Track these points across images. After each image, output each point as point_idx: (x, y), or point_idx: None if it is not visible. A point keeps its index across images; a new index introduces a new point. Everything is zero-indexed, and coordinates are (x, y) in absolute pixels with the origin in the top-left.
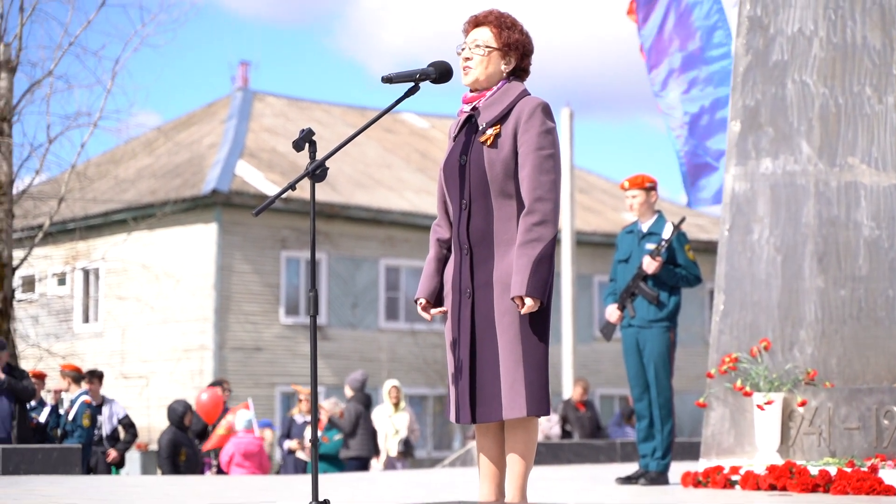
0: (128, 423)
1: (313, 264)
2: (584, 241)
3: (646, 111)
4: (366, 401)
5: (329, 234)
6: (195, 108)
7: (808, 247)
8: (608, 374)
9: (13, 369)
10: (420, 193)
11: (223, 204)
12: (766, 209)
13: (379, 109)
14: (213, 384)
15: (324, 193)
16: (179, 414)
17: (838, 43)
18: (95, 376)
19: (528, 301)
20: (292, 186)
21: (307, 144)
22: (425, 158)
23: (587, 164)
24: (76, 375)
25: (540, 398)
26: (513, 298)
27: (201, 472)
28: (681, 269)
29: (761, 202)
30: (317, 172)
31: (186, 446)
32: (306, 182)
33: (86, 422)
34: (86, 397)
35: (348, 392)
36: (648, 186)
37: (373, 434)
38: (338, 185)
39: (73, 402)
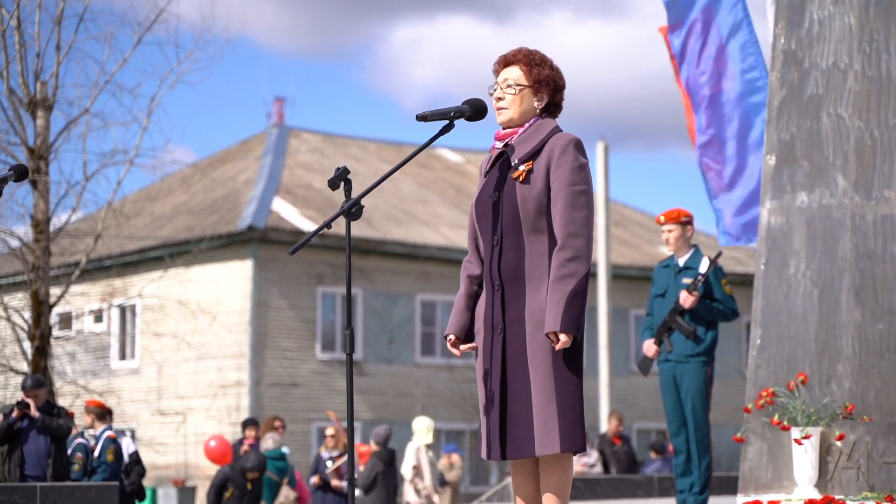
0: (135, 460)
1: (349, 303)
2: (620, 275)
3: (679, 143)
4: (388, 458)
5: (365, 269)
6: (230, 144)
7: (844, 280)
8: (645, 408)
9: (52, 406)
10: (455, 228)
11: (259, 240)
12: (802, 243)
13: (413, 144)
14: (247, 423)
15: (359, 229)
16: (245, 467)
17: (873, 76)
18: (105, 412)
19: (563, 336)
20: (328, 225)
21: (342, 183)
22: (460, 193)
23: (622, 197)
24: (99, 412)
25: (574, 434)
26: (547, 334)
27: None
28: (718, 303)
29: (797, 236)
30: (352, 211)
31: (236, 485)
32: (342, 219)
33: (110, 457)
34: (110, 432)
35: (372, 446)
36: (684, 220)
37: (393, 490)
38: (373, 221)
39: (97, 439)
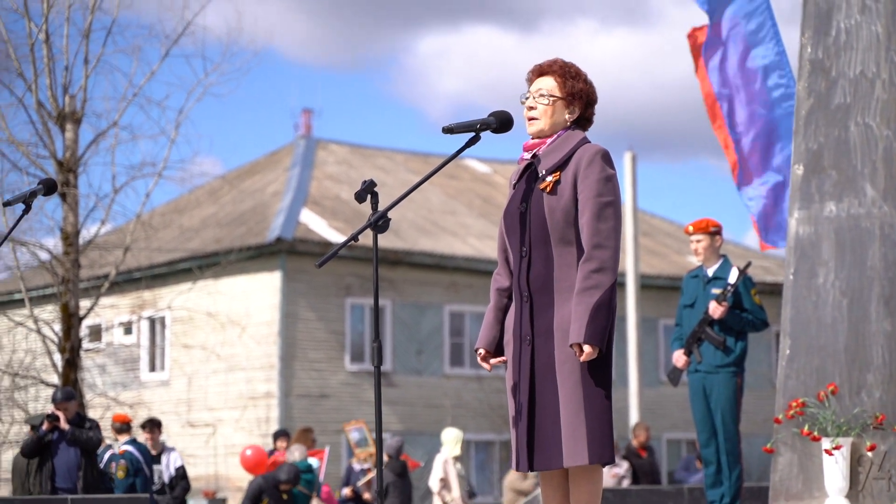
0: (181, 475)
1: (376, 315)
2: (649, 285)
3: (706, 152)
4: (400, 469)
5: (393, 280)
6: (257, 156)
7: (874, 290)
8: (674, 418)
9: (82, 419)
10: (483, 239)
11: (288, 252)
12: (830, 253)
13: (440, 155)
14: (277, 434)
15: (387, 240)
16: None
17: None
18: (154, 424)
19: (587, 348)
20: (355, 238)
21: (369, 195)
22: (488, 204)
23: (650, 207)
24: (118, 426)
25: (602, 445)
26: (571, 345)
27: None
28: (747, 313)
29: (826, 246)
30: (379, 224)
31: (270, 496)
32: (370, 230)
33: (119, 473)
34: (124, 447)
35: (372, 471)
36: (713, 231)
37: (407, 500)
38: (401, 232)
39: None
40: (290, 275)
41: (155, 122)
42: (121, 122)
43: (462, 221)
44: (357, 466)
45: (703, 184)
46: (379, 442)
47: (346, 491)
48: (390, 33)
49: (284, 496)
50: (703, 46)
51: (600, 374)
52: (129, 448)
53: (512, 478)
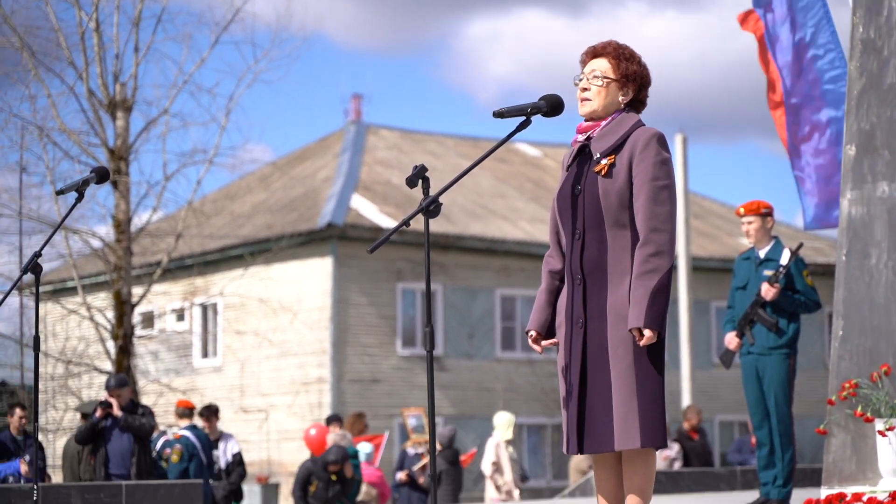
0: (238, 461)
1: (428, 300)
2: (701, 267)
3: (757, 134)
4: (452, 457)
5: (444, 264)
6: (307, 142)
7: None
8: (727, 400)
9: (136, 405)
10: (534, 222)
11: (339, 237)
12: (883, 233)
13: (491, 139)
14: (330, 419)
15: (438, 225)
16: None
17: None
18: (211, 411)
19: (647, 332)
20: (406, 223)
21: (420, 181)
22: (539, 187)
23: (701, 189)
24: (181, 411)
25: (655, 429)
26: (630, 330)
27: None
28: (799, 295)
29: (878, 226)
30: (430, 209)
31: (319, 478)
32: (420, 215)
33: (174, 457)
34: (179, 432)
35: (438, 445)
36: (764, 212)
37: (458, 488)
38: (452, 216)
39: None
40: (342, 260)
41: (205, 109)
42: (171, 110)
43: (512, 205)
44: (411, 451)
45: (754, 165)
46: (432, 425)
47: (401, 475)
48: (440, 17)
49: (333, 477)
50: (764, 35)
51: (654, 357)
52: (187, 433)
53: (578, 459)
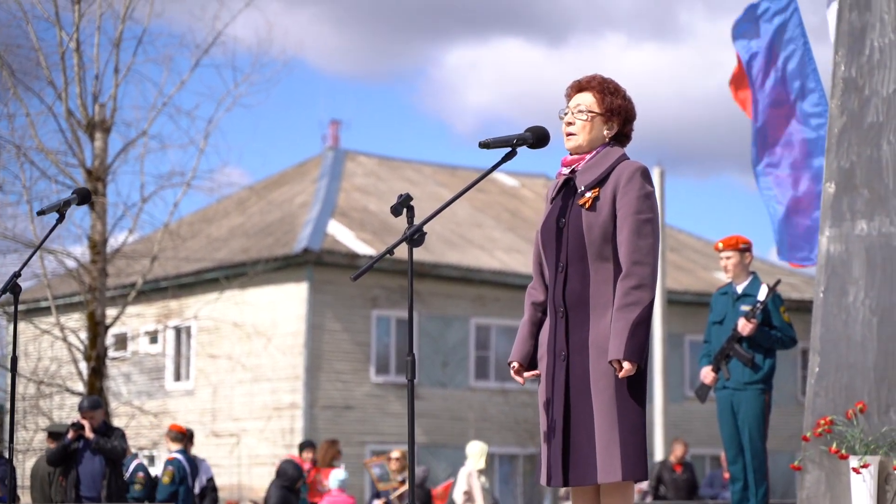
0: (212, 486)
1: (411, 328)
2: (676, 301)
3: (733, 168)
4: (425, 497)
5: (419, 292)
6: (284, 167)
7: None
8: (699, 433)
9: (109, 428)
10: (510, 252)
11: (315, 263)
12: (861, 271)
13: (468, 168)
14: (303, 445)
15: (415, 252)
16: (290, 476)
17: None
18: (185, 436)
19: (626, 365)
20: (390, 252)
21: (405, 209)
22: (515, 217)
23: (677, 223)
24: (173, 434)
25: (636, 462)
26: (610, 362)
27: None
28: (776, 331)
29: (856, 264)
30: (415, 238)
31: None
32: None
33: (165, 479)
34: (174, 454)
35: (405, 484)
36: (742, 248)
37: None
38: (429, 245)
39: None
40: (317, 286)
41: (184, 131)
42: (150, 132)
43: (489, 235)
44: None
45: (730, 200)
46: (411, 456)
47: (379, 503)
48: (418, 45)
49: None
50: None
51: (635, 390)
52: (179, 456)
53: None
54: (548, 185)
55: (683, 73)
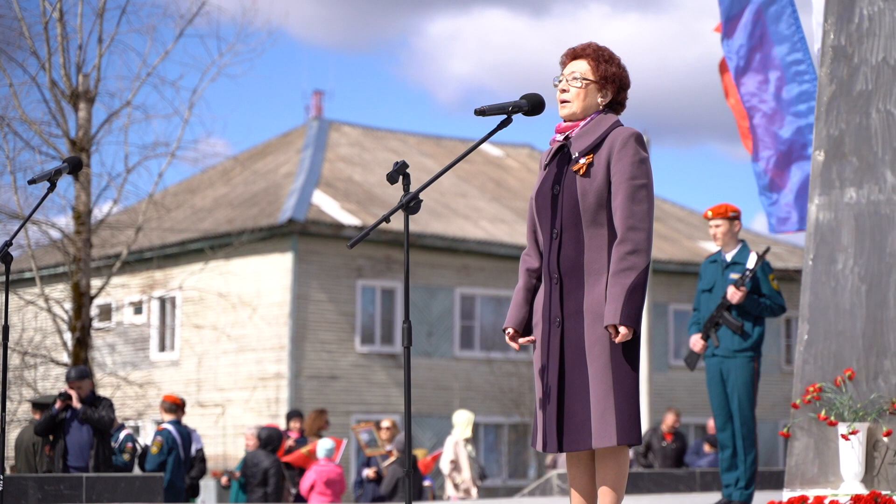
0: (200, 457)
1: (407, 297)
2: (660, 270)
3: (716, 137)
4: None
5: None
6: (266, 137)
7: (892, 276)
8: (683, 402)
9: (97, 398)
10: (495, 222)
11: (299, 233)
12: (850, 239)
13: (453, 138)
14: (291, 415)
15: (399, 222)
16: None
17: None
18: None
19: (622, 329)
20: (386, 219)
21: (401, 177)
22: (500, 187)
23: (660, 192)
24: (166, 405)
25: (631, 427)
26: (606, 327)
27: (285, 498)
28: (765, 298)
29: (845, 232)
30: (410, 205)
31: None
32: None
33: (153, 448)
34: (165, 425)
35: (395, 453)
36: (732, 216)
37: (419, 493)
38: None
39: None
40: (302, 256)
41: (168, 102)
42: (134, 102)
43: (474, 204)
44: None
45: (712, 169)
46: (408, 423)
47: (370, 472)
48: (401, 15)
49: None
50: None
51: (630, 355)
52: (169, 427)
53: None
54: (532, 155)
55: (666, 42)
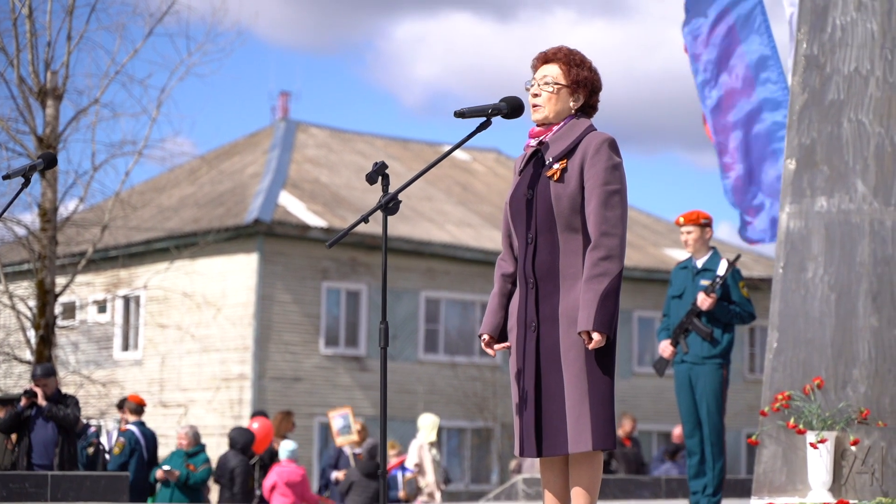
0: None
1: (384, 297)
2: (625, 277)
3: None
4: (369, 468)
5: (370, 265)
6: (232, 138)
7: (862, 286)
8: (646, 409)
9: (62, 396)
10: (461, 226)
11: (265, 234)
12: (820, 247)
13: (420, 142)
14: (255, 415)
15: (365, 225)
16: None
17: (894, 82)
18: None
19: (595, 335)
20: (365, 219)
21: (380, 177)
22: (466, 191)
23: None
24: (131, 406)
25: (606, 432)
26: (580, 333)
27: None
28: (735, 306)
29: (816, 240)
30: (389, 206)
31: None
32: (355, 216)
33: (115, 449)
34: (128, 426)
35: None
36: (703, 223)
37: (372, 499)
38: (379, 217)
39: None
40: (267, 257)
41: (136, 100)
42: (102, 100)
43: (440, 208)
44: (348, 450)
45: (676, 176)
46: (383, 423)
47: (339, 474)
48: (367, 17)
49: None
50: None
51: (605, 360)
52: (133, 428)
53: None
54: (499, 160)
55: (631, 49)
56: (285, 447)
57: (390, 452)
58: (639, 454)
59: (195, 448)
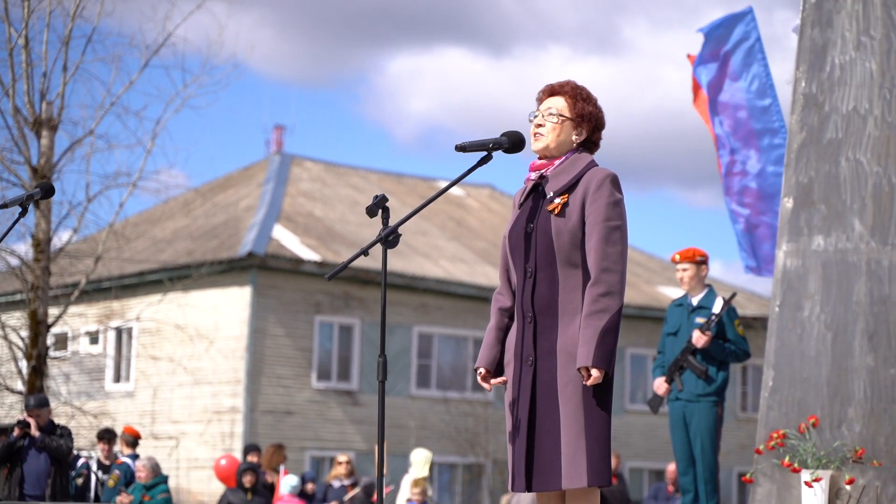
0: None
1: (383, 330)
2: None
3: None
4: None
5: (363, 299)
6: (225, 171)
7: (858, 325)
8: (638, 447)
9: (55, 426)
10: (454, 261)
11: (259, 267)
12: (817, 286)
13: (414, 176)
14: (248, 449)
15: (360, 260)
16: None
17: (893, 122)
18: (112, 435)
19: (594, 372)
20: (365, 252)
21: (380, 210)
22: (460, 227)
23: None
24: (128, 438)
25: (601, 469)
26: (579, 369)
27: None
28: (730, 344)
29: (812, 279)
30: (389, 239)
31: None
32: (349, 251)
33: (110, 482)
34: (124, 458)
35: (351, 489)
36: (699, 260)
37: None
38: (373, 251)
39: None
40: (261, 290)
41: (131, 132)
42: (97, 131)
43: (434, 243)
44: (336, 483)
45: (670, 214)
46: (380, 457)
47: None
48: (361, 52)
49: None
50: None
51: (601, 397)
52: (128, 461)
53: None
54: (493, 196)
55: (625, 87)
56: (287, 482)
57: (414, 490)
58: (624, 491)
59: (153, 480)
